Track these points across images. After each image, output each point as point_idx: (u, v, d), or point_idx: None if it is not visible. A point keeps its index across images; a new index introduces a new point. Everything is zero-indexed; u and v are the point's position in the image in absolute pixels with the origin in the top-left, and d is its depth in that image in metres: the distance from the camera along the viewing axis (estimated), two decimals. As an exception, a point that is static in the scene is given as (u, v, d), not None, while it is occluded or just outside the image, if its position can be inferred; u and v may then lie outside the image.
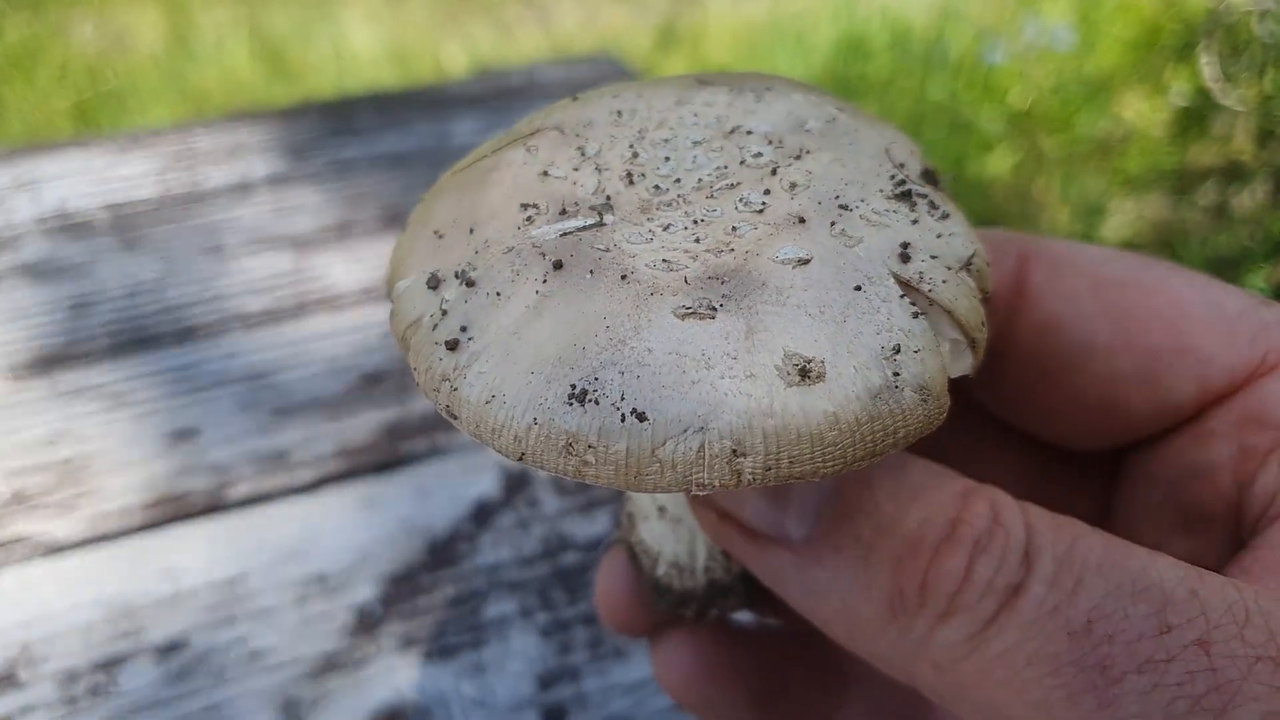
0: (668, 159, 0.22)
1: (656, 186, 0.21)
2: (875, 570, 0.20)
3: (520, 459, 0.17)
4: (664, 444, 0.16)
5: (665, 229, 0.20)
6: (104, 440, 0.48)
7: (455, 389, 0.18)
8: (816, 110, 0.23)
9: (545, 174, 0.22)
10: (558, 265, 0.19)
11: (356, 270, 0.60)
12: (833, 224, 0.20)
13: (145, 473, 0.47)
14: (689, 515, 0.25)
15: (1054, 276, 0.25)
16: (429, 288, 0.20)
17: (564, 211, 0.21)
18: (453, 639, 0.39)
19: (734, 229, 0.20)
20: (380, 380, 0.52)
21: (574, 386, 0.17)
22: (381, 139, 0.74)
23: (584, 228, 0.20)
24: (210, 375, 0.52)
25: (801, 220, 0.20)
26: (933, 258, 0.19)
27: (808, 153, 0.22)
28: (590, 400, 0.17)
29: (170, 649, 0.39)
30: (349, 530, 0.44)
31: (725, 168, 0.21)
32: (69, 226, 0.65)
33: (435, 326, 0.19)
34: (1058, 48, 2.52)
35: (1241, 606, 0.17)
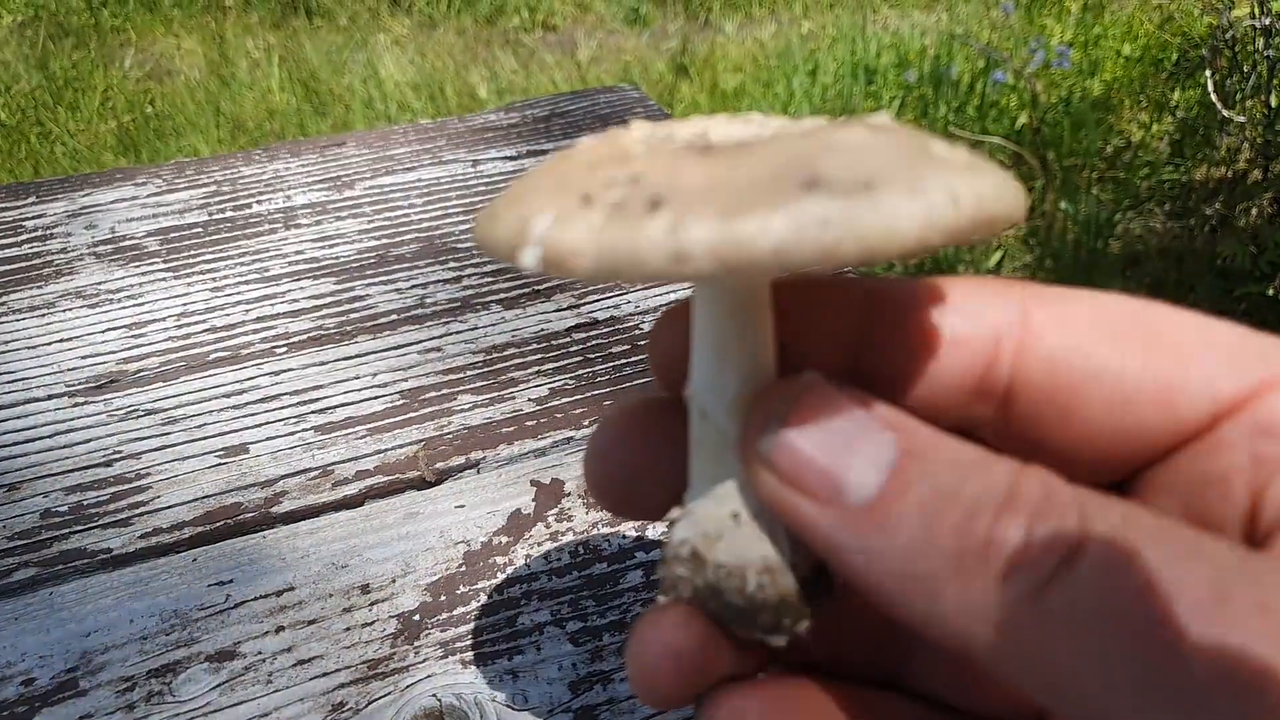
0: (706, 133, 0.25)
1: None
2: (937, 532, 0.21)
3: (778, 254, 0.18)
4: (899, 199, 0.19)
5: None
6: (157, 458, 0.51)
7: (680, 226, 0.18)
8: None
9: (629, 131, 0.24)
10: (705, 149, 0.21)
11: (396, 295, 0.63)
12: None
13: (197, 489, 0.49)
14: (765, 513, 0.26)
15: (1056, 313, 0.26)
16: (583, 204, 0.20)
17: (671, 138, 0.23)
18: (489, 646, 0.41)
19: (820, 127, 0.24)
20: (419, 398, 0.54)
21: (803, 182, 0.19)
22: (416, 168, 0.77)
23: (700, 143, 0.22)
24: (257, 395, 0.55)
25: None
26: None
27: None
28: (825, 185, 0.19)
29: (223, 657, 0.41)
30: (391, 543, 0.46)
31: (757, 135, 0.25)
32: (121, 252, 0.68)
33: (615, 216, 0.19)
34: (1062, 66, 2.53)
35: None
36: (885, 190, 0.19)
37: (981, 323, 0.27)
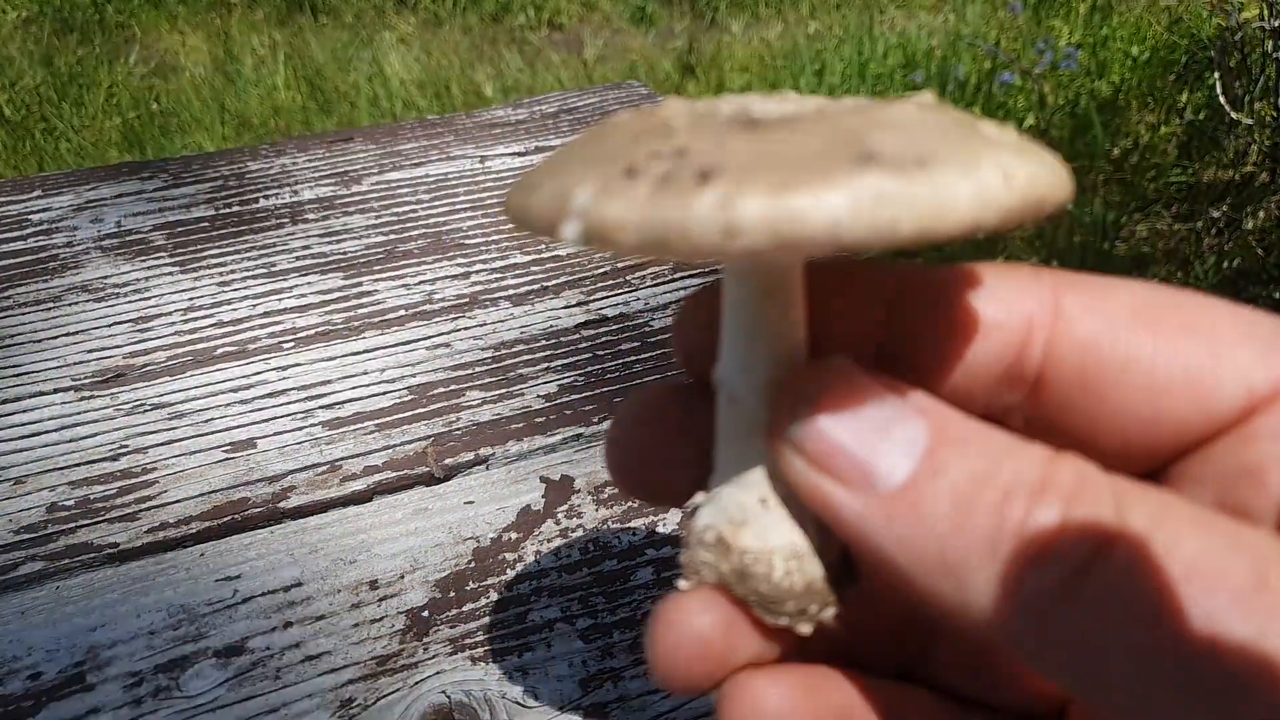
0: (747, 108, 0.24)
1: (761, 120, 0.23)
2: (968, 518, 0.21)
3: (833, 230, 0.17)
4: (954, 177, 0.19)
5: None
6: (164, 452, 0.51)
7: (731, 200, 0.17)
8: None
9: (666, 106, 0.23)
10: (750, 124, 0.20)
11: (404, 291, 0.62)
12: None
13: (204, 484, 0.49)
14: (794, 498, 0.26)
15: (1088, 300, 0.26)
16: (627, 177, 0.19)
17: (713, 113, 0.21)
18: (499, 643, 0.41)
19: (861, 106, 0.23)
20: (427, 393, 0.54)
21: (857, 157, 0.18)
22: (424, 164, 0.77)
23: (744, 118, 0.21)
24: (264, 390, 0.54)
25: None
26: None
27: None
28: (879, 160, 0.18)
29: (231, 653, 0.41)
30: (399, 538, 0.45)
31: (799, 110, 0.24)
32: (127, 247, 0.67)
33: (662, 188, 0.18)
34: (1070, 67, 2.53)
35: None
36: (940, 167, 0.19)
37: (1013, 309, 0.26)
